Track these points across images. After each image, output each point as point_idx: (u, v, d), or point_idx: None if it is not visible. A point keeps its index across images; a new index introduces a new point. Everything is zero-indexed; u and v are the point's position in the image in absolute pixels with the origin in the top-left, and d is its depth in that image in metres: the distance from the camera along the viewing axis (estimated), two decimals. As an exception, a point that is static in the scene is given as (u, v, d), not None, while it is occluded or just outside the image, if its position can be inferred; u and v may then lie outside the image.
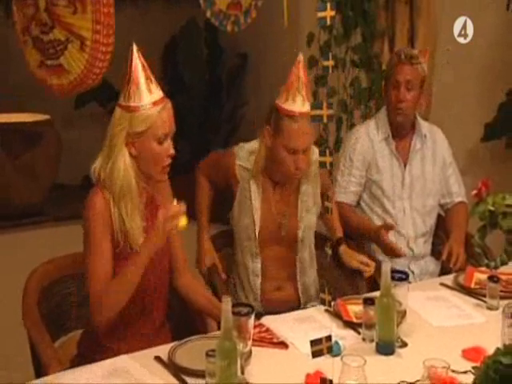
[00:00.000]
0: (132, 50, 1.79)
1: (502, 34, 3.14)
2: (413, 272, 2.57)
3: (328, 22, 1.74)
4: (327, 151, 1.73)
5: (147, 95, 1.78)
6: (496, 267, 1.41)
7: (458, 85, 3.62)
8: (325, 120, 1.76)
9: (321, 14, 1.71)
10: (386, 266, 1.77)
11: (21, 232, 4.28)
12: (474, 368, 1.51)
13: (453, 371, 1.64)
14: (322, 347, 1.49)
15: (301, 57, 2.16)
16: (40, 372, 1.84)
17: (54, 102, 3.45)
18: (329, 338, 1.52)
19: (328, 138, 3.42)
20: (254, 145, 2.31)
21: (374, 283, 2.31)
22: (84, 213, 1.82)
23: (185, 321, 2.11)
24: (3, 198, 4.43)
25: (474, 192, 1.44)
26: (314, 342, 1.51)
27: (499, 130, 3.65)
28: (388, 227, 2.46)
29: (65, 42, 2.88)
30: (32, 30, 2.76)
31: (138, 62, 1.78)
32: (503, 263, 1.41)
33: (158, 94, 1.81)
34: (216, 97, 4.96)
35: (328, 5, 1.73)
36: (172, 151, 1.85)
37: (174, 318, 2.08)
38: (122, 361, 1.73)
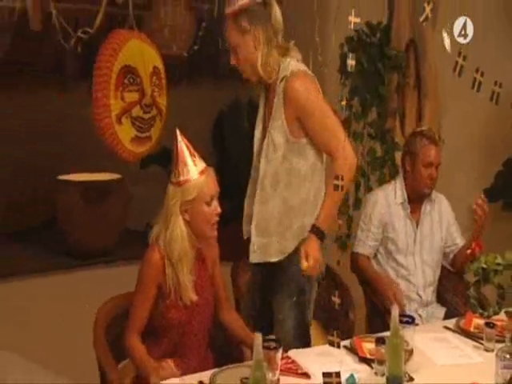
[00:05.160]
0: (176, 135, 1.85)
1: (497, 110, 3.14)
2: (420, 316, 2.52)
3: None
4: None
5: (193, 169, 1.83)
6: (489, 316, 1.39)
7: (460, 157, 3.62)
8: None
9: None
10: (395, 311, 1.75)
11: (96, 269, 4.27)
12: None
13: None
14: (332, 381, 1.48)
15: None
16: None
17: (124, 164, 3.56)
18: (338, 373, 1.50)
19: (349, 198, 3.43)
20: None
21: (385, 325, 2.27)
22: (141, 263, 1.86)
23: (226, 350, 2.09)
24: (82, 240, 4.48)
25: (469, 251, 1.43)
26: (325, 375, 1.50)
27: (496, 194, 3.63)
28: (394, 297, 2.41)
29: (156, 116, 3.05)
30: (134, 111, 2.93)
31: (182, 143, 1.83)
32: (495, 313, 1.39)
33: (201, 165, 1.85)
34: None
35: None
36: (219, 210, 1.87)
37: (217, 347, 2.06)
38: (172, 383, 1.72)
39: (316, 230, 2.01)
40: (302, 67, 2.07)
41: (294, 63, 2.05)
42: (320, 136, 1.99)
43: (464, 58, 2.41)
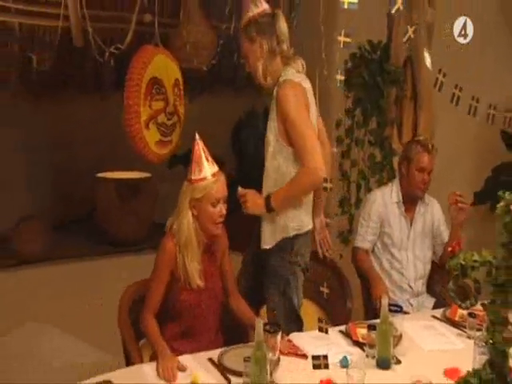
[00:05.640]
0: (196, 139, 1.85)
1: (488, 126, 3.09)
2: (412, 305, 2.48)
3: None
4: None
5: (206, 171, 1.83)
6: (466, 307, 1.37)
7: (453, 163, 3.58)
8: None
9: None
10: (384, 300, 1.73)
11: (127, 256, 4.33)
12: (451, 385, 1.45)
13: (435, 386, 1.59)
14: (320, 362, 1.47)
15: None
16: (128, 361, 1.87)
17: (153, 165, 3.58)
18: (325, 356, 1.49)
19: (351, 198, 3.41)
20: None
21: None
22: (157, 251, 1.87)
23: (235, 333, 2.06)
24: (116, 231, 4.55)
25: (450, 249, 1.41)
26: (314, 357, 1.49)
27: (486, 197, 3.59)
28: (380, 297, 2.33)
29: (176, 123, 3.07)
30: (159, 118, 2.95)
31: (199, 147, 1.84)
32: (472, 305, 1.36)
33: (213, 169, 1.85)
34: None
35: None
36: (224, 212, 1.85)
37: (227, 330, 2.06)
38: (185, 359, 1.74)
39: (267, 197, 2.03)
40: (297, 78, 2.03)
41: (290, 73, 2.04)
42: (297, 143, 1.96)
43: (444, 75, 2.37)
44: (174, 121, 3.03)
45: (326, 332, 1.69)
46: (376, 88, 3.28)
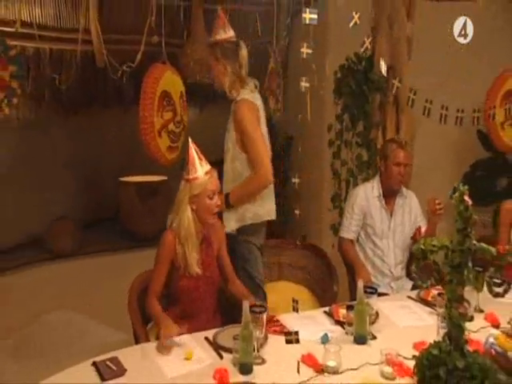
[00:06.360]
0: (189, 142, 1.89)
1: (466, 127, 3.07)
2: (392, 288, 2.49)
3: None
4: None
5: (200, 169, 1.86)
6: (427, 287, 1.37)
7: (432, 160, 3.54)
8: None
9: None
10: (360, 283, 1.74)
11: (146, 250, 4.27)
12: (413, 356, 1.45)
13: (404, 358, 1.58)
14: (292, 338, 1.48)
15: None
16: (137, 343, 1.88)
17: (169, 169, 3.61)
18: (296, 332, 1.51)
19: (341, 194, 3.41)
20: None
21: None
22: (158, 245, 1.90)
23: (233, 313, 2.10)
24: (135, 228, 4.60)
25: (412, 236, 1.41)
26: (286, 334, 1.50)
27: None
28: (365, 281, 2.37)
29: (182, 130, 3.11)
30: (169, 126, 3.00)
31: (193, 150, 1.87)
32: (432, 285, 1.36)
33: (206, 167, 1.88)
34: (273, 163, 4.95)
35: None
36: (219, 203, 1.91)
37: (226, 311, 2.08)
38: (185, 338, 1.76)
39: (227, 195, 2.18)
40: (251, 97, 2.20)
41: (246, 92, 2.21)
42: (250, 151, 2.11)
43: (415, 93, 2.36)
44: (180, 129, 3.07)
45: (297, 311, 1.72)
46: (362, 95, 3.28)
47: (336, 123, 3.35)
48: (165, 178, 4.65)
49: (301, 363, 1.56)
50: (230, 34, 2.21)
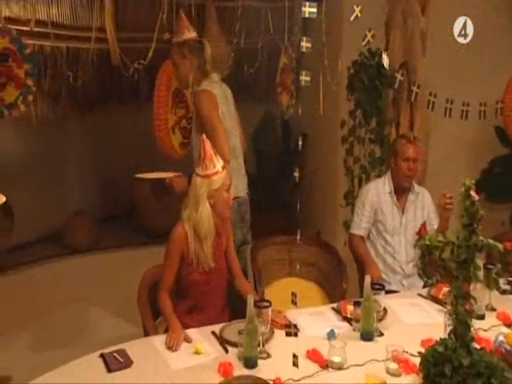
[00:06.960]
0: (204, 139, 1.90)
1: (482, 121, 3.00)
2: (403, 285, 2.46)
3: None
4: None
5: (217, 165, 1.87)
6: (432, 284, 1.35)
7: (448, 157, 3.49)
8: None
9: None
10: (367, 279, 1.73)
11: (160, 246, 4.38)
12: (419, 353, 1.44)
13: (411, 355, 1.57)
14: (291, 331, 1.48)
15: None
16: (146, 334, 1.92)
17: (180, 164, 3.64)
18: (295, 325, 1.52)
19: (354, 190, 3.38)
20: None
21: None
22: (168, 240, 1.91)
23: (240, 308, 2.12)
24: (150, 224, 4.62)
25: (417, 231, 1.39)
26: (286, 326, 1.51)
27: (481, 188, 3.46)
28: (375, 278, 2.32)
29: (193, 127, 3.13)
30: (182, 123, 3.05)
31: (208, 146, 1.88)
32: (437, 282, 1.35)
33: (221, 162, 1.90)
34: (287, 160, 4.97)
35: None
36: (233, 195, 1.96)
37: (234, 307, 2.08)
38: (192, 332, 1.79)
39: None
40: (209, 87, 2.40)
41: (206, 83, 2.42)
42: (209, 136, 2.14)
43: (418, 87, 2.31)
44: (191, 125, 3.09)
45: (296, 304, 1.72)
46: (375, 91, 3.24)
47: (349, 119, 3.32)
48: (180, 174, 4.67)
49: (305, 358, 1.56)
50: (194, 33, 2.51)
